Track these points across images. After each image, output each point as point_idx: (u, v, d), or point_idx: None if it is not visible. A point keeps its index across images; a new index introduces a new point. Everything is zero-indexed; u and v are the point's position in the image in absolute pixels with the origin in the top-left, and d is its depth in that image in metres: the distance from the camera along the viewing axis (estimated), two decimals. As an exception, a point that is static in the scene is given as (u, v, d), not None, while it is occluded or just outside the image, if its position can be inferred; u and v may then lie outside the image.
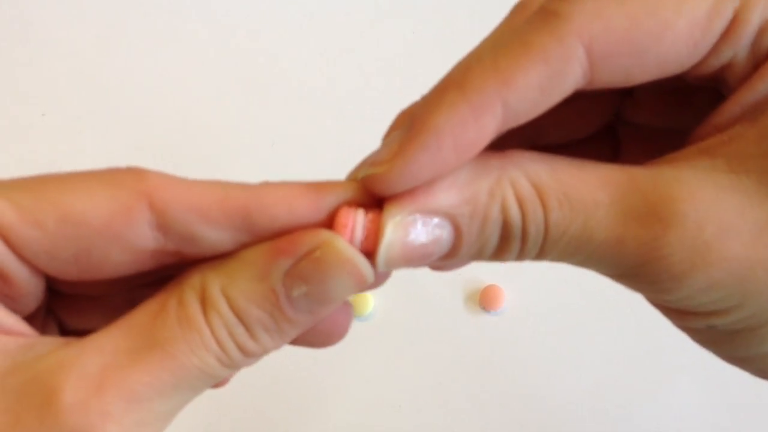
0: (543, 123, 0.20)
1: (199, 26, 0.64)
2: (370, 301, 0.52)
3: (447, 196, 0.19)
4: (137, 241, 0.20)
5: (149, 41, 0.63)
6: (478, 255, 0.20)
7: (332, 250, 0.19)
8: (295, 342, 0.23)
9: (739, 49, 0.19)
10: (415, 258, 0.20)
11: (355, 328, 0.52)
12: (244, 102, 0.60)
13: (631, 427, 0.48)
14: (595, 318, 0.51)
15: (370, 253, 0.20)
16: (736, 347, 0.20)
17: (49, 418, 0.18)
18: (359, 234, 0.20)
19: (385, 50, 0.60)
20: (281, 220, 0.20)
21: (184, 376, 0.19)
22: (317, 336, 0.23)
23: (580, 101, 0.21)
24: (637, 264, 0.19)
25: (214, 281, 0.20)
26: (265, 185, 0.21)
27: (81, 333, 0.21)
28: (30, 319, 0.22)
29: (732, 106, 0.19)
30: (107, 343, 0.20)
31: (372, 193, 0.20)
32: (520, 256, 0.20)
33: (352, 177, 0.20)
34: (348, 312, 0.23)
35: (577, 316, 0.51)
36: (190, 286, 0.20)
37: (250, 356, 0.20)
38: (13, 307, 0.21)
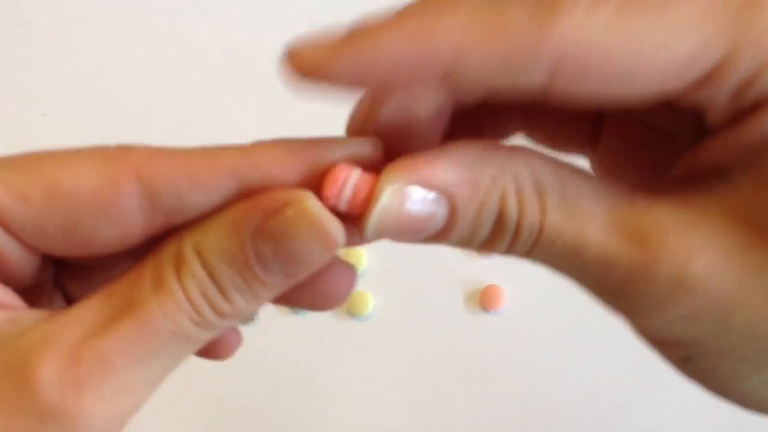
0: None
1: (199, 26, 0.64)
2: (370, 301, 0.52)
3: (450, 173, 0.19)
4: (126, 213, 0.20)
5: (149, 41, 0.63)
6: (469, 241, 0.20)
7: (301, 209, 0.19)
8: (293, 303, 0.22)
9: (719, 96, 0.18)
10: (406, 230, 0.19)
11: (355, 328, 0.53)
12: (244, 102, 0.60)
13: (631, 427, 0.48)
14: (595, 318, 0.51)
15: (357, 216, 0.19)
16: (715, 381, 0.20)
17: (26, 393, 0.19)
18: (348, 192, 0.19)
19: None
20: (274, 180, 0.20)
21: (159, 341, 0.19)
22: (316, 297, 0.22)
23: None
24: (623, 282, 0.19)
25: (188, 239, 0.20)
26: (257, 143, 0.21)
27: None
28: (34, 291, 0.22)
29: (720, 148, 0.19)
30: (86, 314, 0.20)
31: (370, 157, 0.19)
32: (510, 250, 0.20)
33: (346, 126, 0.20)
34: (349, 274, 0.23)
35: (577, 316, 0.51)
36: (167, 248, 0.20)
37: (225, 317, 0.20)
38: (7, 280, 0.21)
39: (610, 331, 0.51)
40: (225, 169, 0.20)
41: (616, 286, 0.19)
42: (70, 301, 0.24)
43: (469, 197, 0.19)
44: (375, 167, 0.20)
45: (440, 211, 0.19)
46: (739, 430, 0.47)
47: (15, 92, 0.61)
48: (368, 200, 0.19)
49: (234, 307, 0.20)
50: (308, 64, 0.18)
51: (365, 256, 0.52)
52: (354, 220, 0.19)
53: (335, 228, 0.19)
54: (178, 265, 0.20)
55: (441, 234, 0.20)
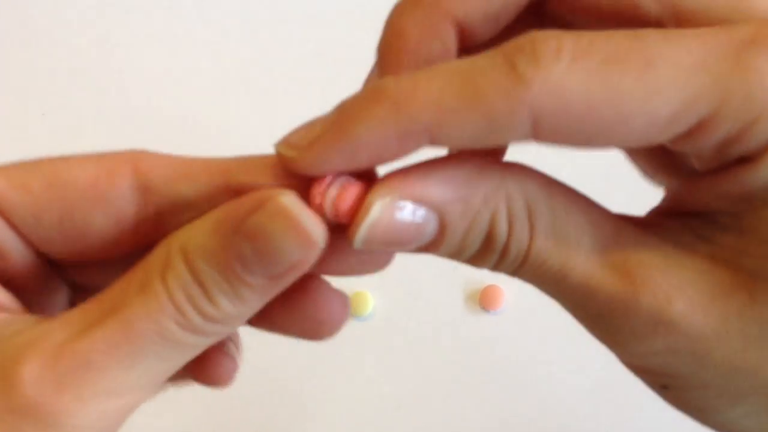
0: None
1: (199, 26, 0.64)
2: (370, 301, 0.52)
3: (442, 189, 0.19)
4: (118, 202, 0.21)
5: (149, 41, 0.63)
6: (457, 255, 0.20)
7: (276, 204, 0.19)
8: (285, 330, 0.22)
9: (703, 150, 0.18)
10: (394, 243, 0.19)
11: (355, 328, 0.53)
12: (244, 102, 0.60)
13: (631, 427, 0.48)
14: (595, 318, 0.51)
15: (347, 225, 0.19)
16: (693, 410, 0.21)
17: (8, 392, 0.19)
18: (333, 193, 0.19)
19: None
20: (263, 182, 0.20)
21: (142, 342, 0.19)
22: (307, 324, 0.22)
23: None
24: (604, 312, 0.19)
25: (176, 241, 0.20)
26: (250, 155, 0.21)
27: None
28: (36, 298, 0.23)
29: (708, 192, 0.19)
30: (74, 317, 0.20)
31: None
32: (497, 268, 0.20)
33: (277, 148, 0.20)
34: (342, 303, 0.22)
35: (577, 316, 0.51)
36: (157, 250, 0.20)
37: (212, 321, 0.20)
38: (7, 280, 0.22)
39: (610, 331, 0.51)
40: (215, 167, 0.21)
41: (598, 315, 0.19)
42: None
43: (460, 215, 0.19)
44: (366, 173, 0.20)
45: (430, 226, 0.19)
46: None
47: (15, 92, 0.61)
48: (357, 209, 0.19)
49: (220, 311, 0.19)
50: (299, 165, 0.19)
51: (371, 299, 0.52)
52: (344, 228, 0.19)
53: (312, 225, 0.19)
54: (165, 266, 0.19)
55: (429, 247, 0.20)
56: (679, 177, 0.22)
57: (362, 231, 0.19)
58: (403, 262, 0.22)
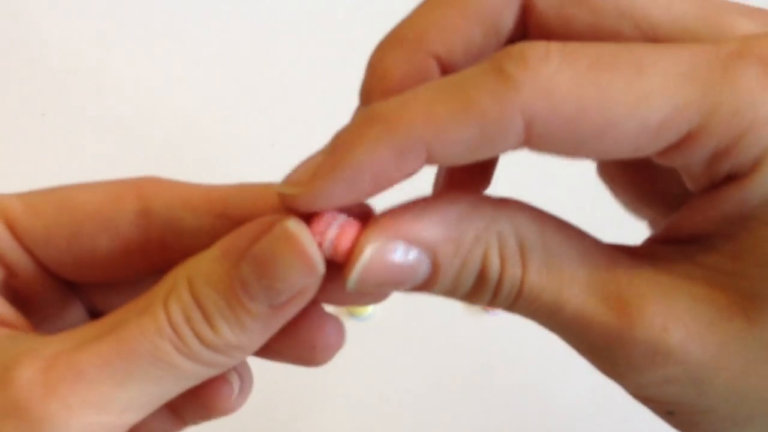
0: None
1: (199, 27, 0.64)
2: (370, 301, 0.52)
3: (433, 230, 0.19)
4: (123, 226, 0.22)
5: (149, 42, 0.63)
6: (451, 294, 0.20)
7: (282, 230, 0.19)
8: (282, 356, 0.22)
9: (693, 163, 0.18)
10: (387, 284, 0.19)
11: (355, 328, 0.53)
12: (244, 103, 0.60)
13: (631, 427, 0.48)
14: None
15: (341, 265, 0.19)
16: None
17: (1, 391, 0.19)
18: (332, 234, 0.19)
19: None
20: (264, 210, 0.20)
21: (136, 361, 0.19)
22: (303, 349, 0.22)
23: None
24: (601, 344, 0.19)
25: (184, 268, 0.20)
26: (250, 184, 0.22)
27: None
28: (46, 321, 0.23)
29: (700, 214, 0.19)
30: (76, 333, 0.20)
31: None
32: (491, 304, 0.20)
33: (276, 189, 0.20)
34: (337, 327, 0.23)
35: (577, 317, 0.51)
36: (165, 278, 0.20)
37: (212, 348, 0.20)
38: (19, 299, 0.22)
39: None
40: (215, 195, 0.22)
41: (594, 348, 0.20)
42: None
43: (452, 255, 0.19)
44: (364, 213, 0.20)
45: (423, 267, 0.19)
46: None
47: (15, 92, 0.61)
48: (351, 252, 0.19)
49: (219, 337, 0.19)
50: (302, 200, 0.19)
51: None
52: (337, 268, 0.19)
53: (315, 252, 0.19)
54: (169, 291, 0.20)
55: (422, 287, 0.20)
56: (662, 207, 0.22)
57: (355, 274, 0.19)
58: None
